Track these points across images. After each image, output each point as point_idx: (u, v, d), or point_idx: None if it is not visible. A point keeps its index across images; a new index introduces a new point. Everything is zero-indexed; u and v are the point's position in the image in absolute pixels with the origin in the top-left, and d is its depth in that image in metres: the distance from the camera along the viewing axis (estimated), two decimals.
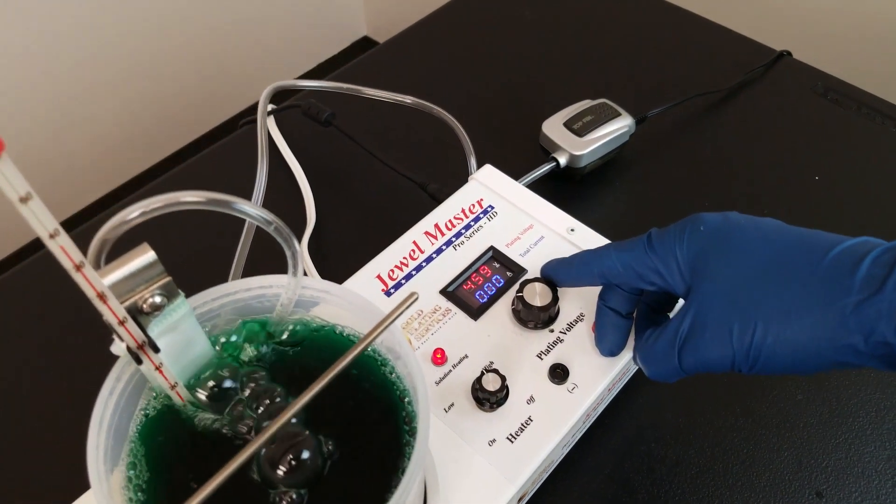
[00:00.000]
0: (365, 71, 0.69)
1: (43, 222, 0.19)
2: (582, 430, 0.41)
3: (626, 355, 0.38)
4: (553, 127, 0.56)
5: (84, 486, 0.31)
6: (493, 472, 0.34)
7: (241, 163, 0.60)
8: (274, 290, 0.30)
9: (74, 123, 1.39)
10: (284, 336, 0.30)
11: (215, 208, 0.26)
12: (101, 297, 0.22)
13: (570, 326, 0.39)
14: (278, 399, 0.29)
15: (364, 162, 0.58)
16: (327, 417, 0.29)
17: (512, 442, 0.35)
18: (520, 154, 0.60)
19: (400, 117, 0.61)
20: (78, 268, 0.21)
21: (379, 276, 0.43)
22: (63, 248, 0.20)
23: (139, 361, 0.25)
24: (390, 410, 0.28)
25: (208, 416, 0.29)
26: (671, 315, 0.39)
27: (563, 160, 0.55)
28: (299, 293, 0.29)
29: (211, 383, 0.29)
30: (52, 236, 0.20)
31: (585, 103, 0.58)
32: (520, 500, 0.37)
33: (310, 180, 0.58)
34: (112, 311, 0.23)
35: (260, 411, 0.28)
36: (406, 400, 0.28)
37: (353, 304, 0.29)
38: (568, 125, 0.56)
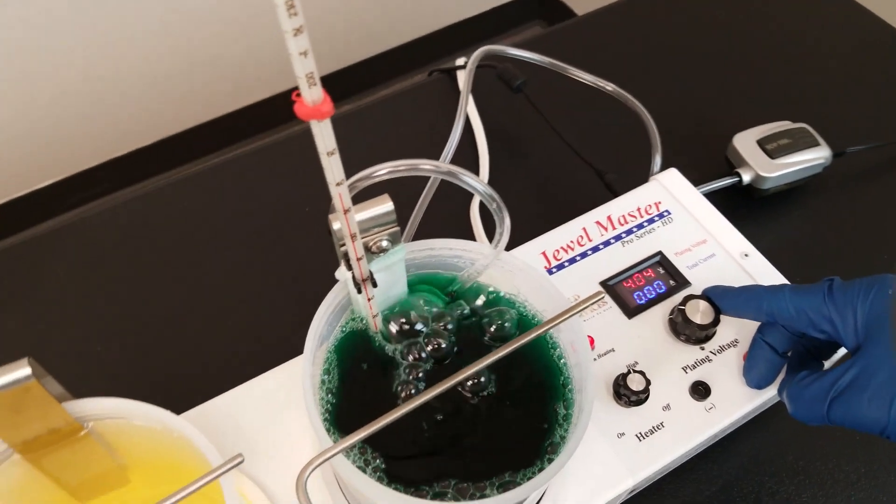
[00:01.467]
0: (554, 43, 0.70)
1: (335, 173, 0.23)
2: (705, 446, 0.42)
3: (771, 391, 0.39)
4: (745, 142, 0.55)
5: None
6: (616, 463, 0.37)
7: (425, 113, 0.64)
8: (471, 255, 0.33)
9: (178, 48, 1.40)
10: (480, 300, 0.33)
11: (446, 178, 0.30)
12: (353, 236, 0.26)
13: (722, 349, 0.40)
14: (445, 346, 0.33)
15: (544, 135, 0.60)
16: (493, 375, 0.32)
17: (640, 440, 0.38)
18: (698, 160, 0.59)
19: (585, 97, 0.62)
20: (346, 211, 0.25)
21: (544, 254, 0.45)
22: (340, 195, 0.24)
23: (359, 290, 0.29)
24: (550, 391, 0.31)
25: (390, 346, 0.33)
26: (826, 364, 0.39)
27: (746, 177, 0.54)
28: (493, 263, 0.33)
29: (402, 319, 0.33)
30: (338, 184, 0.24)
31: (784, 124, 0.56)
32: (630, 492, 0.39)
33: (488, 143, 0.60)
34: (355, 249, 0.27)
35: (429, 354, 0.33)
36: (568, 388, 0.31)
37: (542, 287, 0.32)
38: (761, 143, 0.55)
